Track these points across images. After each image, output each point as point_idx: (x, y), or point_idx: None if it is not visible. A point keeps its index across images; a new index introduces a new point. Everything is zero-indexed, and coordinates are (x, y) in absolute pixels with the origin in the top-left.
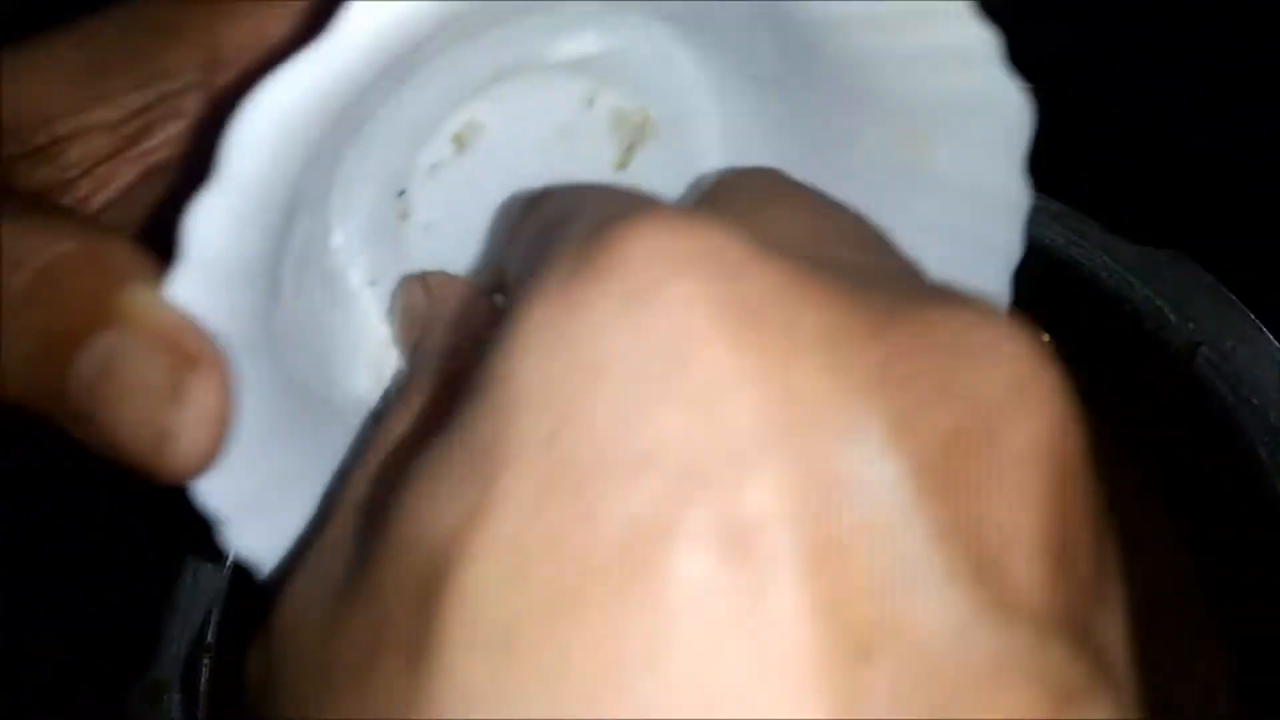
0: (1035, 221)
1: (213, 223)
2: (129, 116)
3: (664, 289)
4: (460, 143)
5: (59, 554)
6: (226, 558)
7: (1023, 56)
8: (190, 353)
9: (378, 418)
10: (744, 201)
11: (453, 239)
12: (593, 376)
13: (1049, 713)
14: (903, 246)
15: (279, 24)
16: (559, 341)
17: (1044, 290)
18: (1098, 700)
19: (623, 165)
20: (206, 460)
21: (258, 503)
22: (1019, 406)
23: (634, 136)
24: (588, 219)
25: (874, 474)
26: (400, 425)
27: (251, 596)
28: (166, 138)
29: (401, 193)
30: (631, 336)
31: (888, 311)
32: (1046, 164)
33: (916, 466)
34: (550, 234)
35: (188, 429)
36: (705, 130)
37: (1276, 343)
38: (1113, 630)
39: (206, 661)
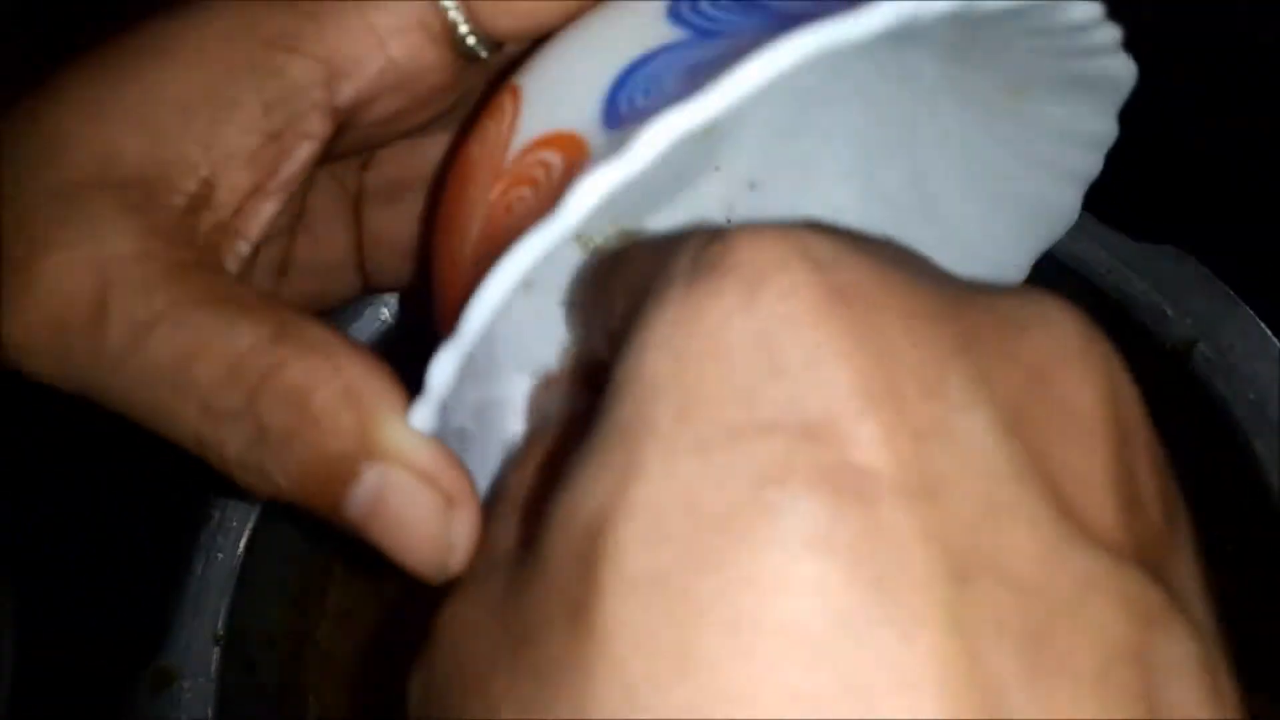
0: None
1: (448, 369)
2: (263, 143)
3: (770, 284)
4: None
5: (61, 551)
6: (239, 545)
7: None
8: (451, 491)
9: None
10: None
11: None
12: (715, 360)
13: (1135, 631)
14: (982, 165)
15: (392, 31)
16: (685, 334)
17: (1042, 285)
18: (1176, 626)
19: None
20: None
21: None
22: (1075, 369)
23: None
24: (693, 247)
25: (963, 423)
26: (531, 464)
27: (261, 585)
28: (299, 162)
29: None
30: (746, 325)
31: (956, 296)
32: None
33: (997, 416)
34: (655, 271)
35: (457, 556)
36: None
37: (1274, 338)
38: (1188, 578)
39: (217, 650)
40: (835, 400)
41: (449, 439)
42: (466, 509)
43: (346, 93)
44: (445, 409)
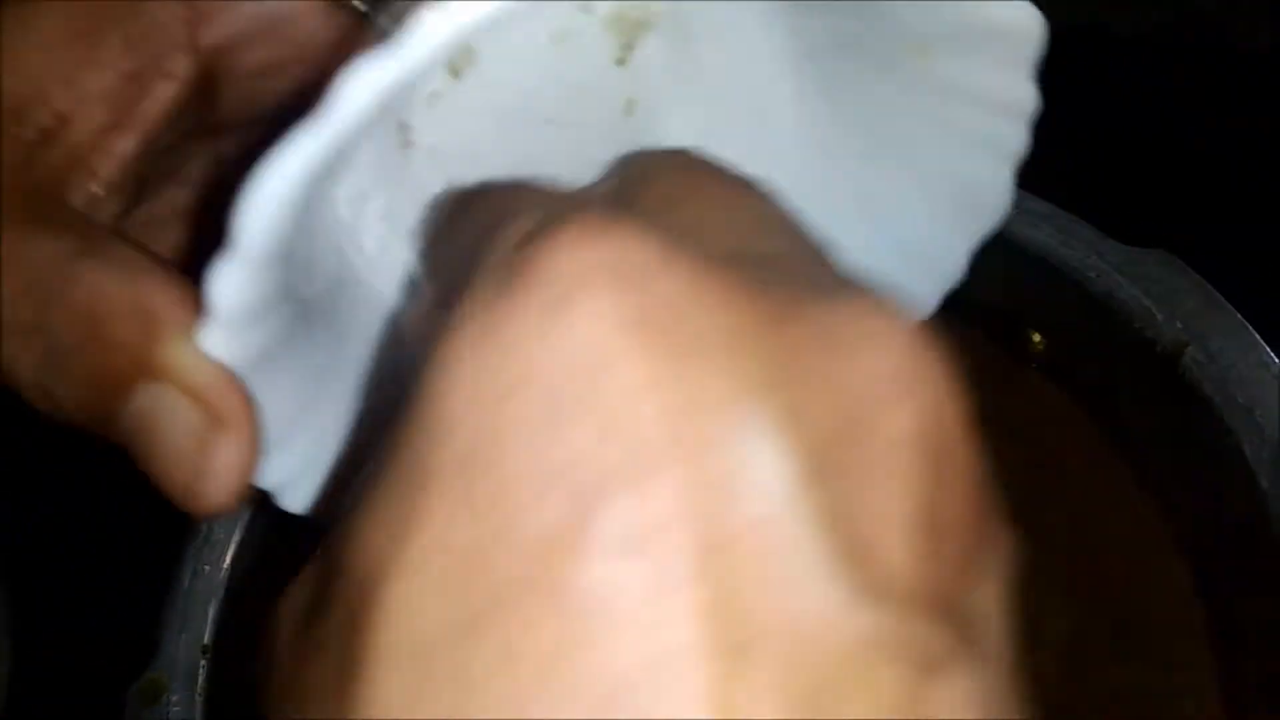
0: (1024, 222)
1: (232, 282)
2: (122, 81)
3: (576, 303)
4: (455, 71)
5: (58, 554)
6: (225, 557)
7: None
8: (219, 411)
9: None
10: (657, 195)
11: (461, 161)
12: (509, 394)
13: (913, 685)
14: (908, 145)
15: None
16: (481, 359)
17: (1033, 290)
18: (959, 669)
19: (622, 61)
20: (230, 503)
21: (304, 468)
22: (897, 394)
23: (633, 33)
24: (519, 228)
25: (763, 470)
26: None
27: (250, 597)
28: (159, 101)
29: (402, 125)
30: (546, 353)
31: (786, 307)
32: (1035, 164)
33: (802, 460)
34: (483, 242)
35: (212, 481)
36: (707, 23)
37: (1263, 342)
38: (990, 603)
39: (204, 662)
40: (633, 448)
41: (274, 337)
42: (235, 435)
43: (212, 33)
44: (257, 317)
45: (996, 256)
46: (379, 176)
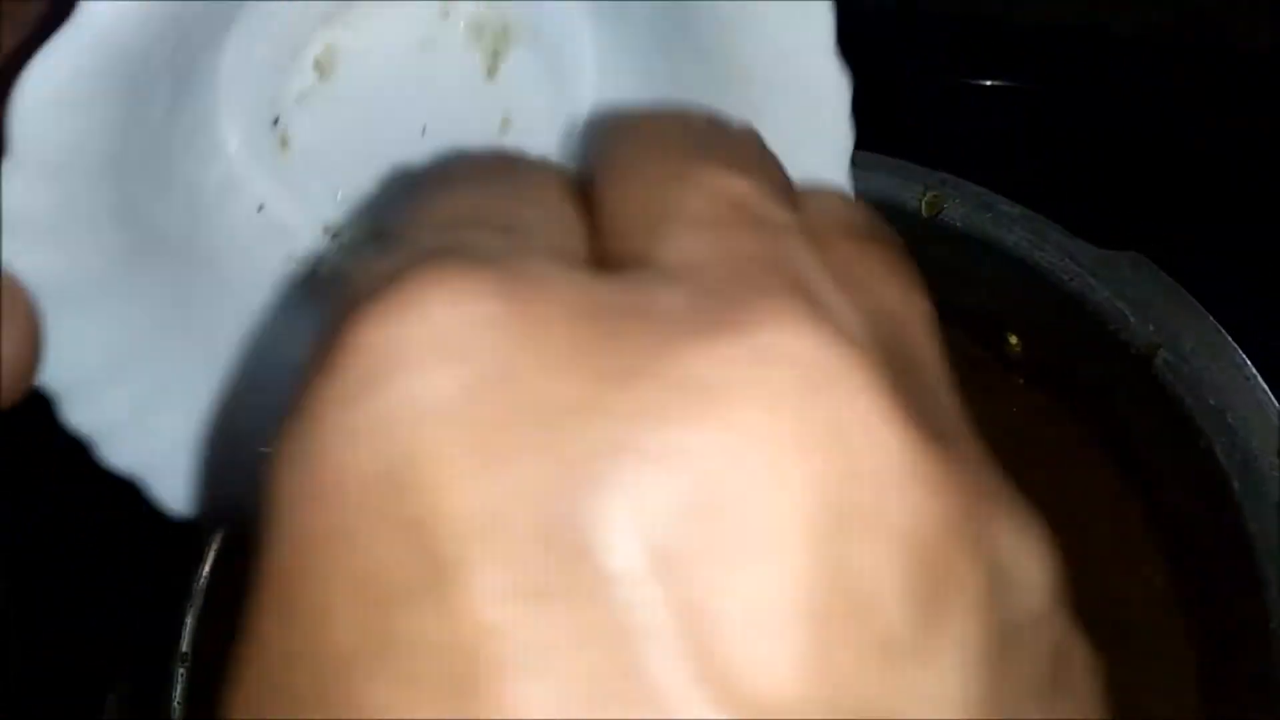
0: (998, 225)
1: (18, 188)
2: None
3: (384, 387)
4: (321, 69)
5: (58, 554)
6: (204, 564)
7: (991, 61)
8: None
9: None
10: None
11: (332, 162)
12: (317, 496)
13: None
14: (741, 63)
15: None
16: (295, 455)
17: (1007, 293)
18: None
19: (492, 73)
20: (3, 399)
21: (131, 418)
22: (775, 446)
23: (497, 44)
24: (369, 270)
25: (592, 567)
26: None
27: (228, 604)
28: (27, 24)
29: (276, 121)
30: (350, 447)
31: (646, 360)
32: (1034, 164)
33: (643, 546)
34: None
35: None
36: (572, 32)
37: (1234, 344)
38: (948, 676)
39: (182, 670)
40: (425, 562)
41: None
42: (4, 332)
43: None
44: (68, 235)
45: (974, 260)
46: (252, 168)
